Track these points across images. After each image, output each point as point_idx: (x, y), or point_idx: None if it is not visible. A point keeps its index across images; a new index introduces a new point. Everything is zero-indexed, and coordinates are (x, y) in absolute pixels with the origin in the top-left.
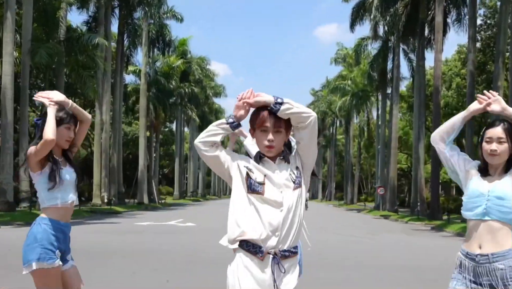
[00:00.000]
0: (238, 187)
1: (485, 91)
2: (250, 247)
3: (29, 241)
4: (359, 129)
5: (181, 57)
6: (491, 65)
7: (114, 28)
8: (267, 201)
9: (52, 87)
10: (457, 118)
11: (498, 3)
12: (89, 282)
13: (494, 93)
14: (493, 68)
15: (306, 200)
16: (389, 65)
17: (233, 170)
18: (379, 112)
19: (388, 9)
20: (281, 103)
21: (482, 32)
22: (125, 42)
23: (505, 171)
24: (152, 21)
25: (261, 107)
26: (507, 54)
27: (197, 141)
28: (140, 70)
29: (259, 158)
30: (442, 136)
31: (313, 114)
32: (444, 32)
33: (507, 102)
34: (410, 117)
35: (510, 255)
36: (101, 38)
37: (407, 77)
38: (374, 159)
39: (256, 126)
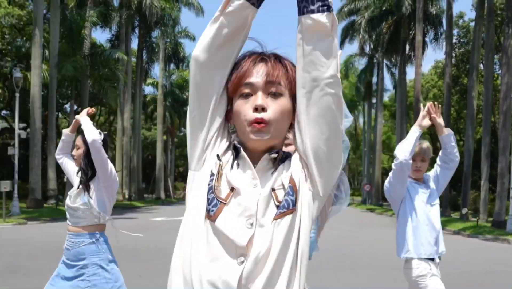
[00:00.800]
0: (195, 193)
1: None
2: None
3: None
4: (348, 134)
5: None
6: (464, 78)
7: (134, 45)
8: (221, 237)
9: (78, 97)
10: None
11: (472, 24)
12: None
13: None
14: (465, 80)
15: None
16: (374, 79)
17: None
18: (365, 119)
19: (374, 29)
20: None
21: (457, 50)
22: (144, 57)
23: None
24: (168, 40)
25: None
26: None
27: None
28: (157, 83)
29: (233, 154)
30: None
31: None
32: (423, 49)
33: (478, 110)
34: (392, 124)
35: None
36: (121, 53)
37: (390, 89)
38: (361, 159)
39: (232, 86)
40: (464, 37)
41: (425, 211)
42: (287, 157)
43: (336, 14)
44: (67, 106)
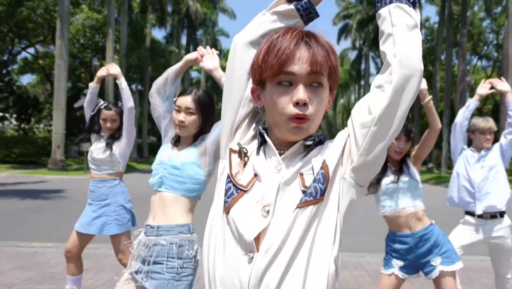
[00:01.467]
0: (218, 186)
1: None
2: None
3: None
4: (342, 107)
5: (226, 60)
6: (430, 66)
7: (183, 41)
8: (233, 230)
9: (141, 80)
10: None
11: (435, 25)
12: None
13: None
14: (430, 68)
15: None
16: (363, 66)
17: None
18: (356, 96)
19: (362, 30)
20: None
21: (424, 45)
22: (191, 50)
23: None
24: (209, 37)
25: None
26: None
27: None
28: (200, 69)
29: (259, 140)
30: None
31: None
32: None
33: (441, 93)
34: None
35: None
36: (173, 47)
37: (374, 74)
38: None
39: (270, 72)
40: (430, 35)
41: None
42: (321, 141)
43: (333, 18)
44: (133, 86)
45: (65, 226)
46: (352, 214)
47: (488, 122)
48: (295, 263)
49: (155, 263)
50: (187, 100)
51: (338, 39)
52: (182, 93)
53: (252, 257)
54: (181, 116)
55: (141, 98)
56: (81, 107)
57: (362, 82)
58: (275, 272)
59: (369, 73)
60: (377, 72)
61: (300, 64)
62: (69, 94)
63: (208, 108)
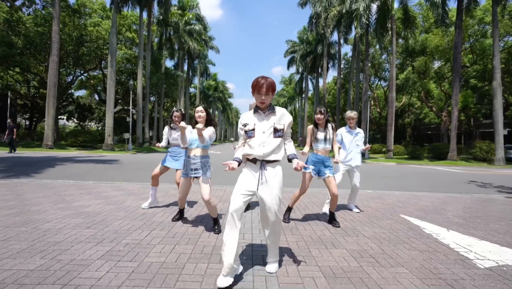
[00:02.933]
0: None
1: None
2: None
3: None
4: (289, 112)
5: (214, 80)
6: (347, 84)
7: (185, 67)
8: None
9: (157, 93)
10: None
11: (350, 58)
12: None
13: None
14: (347, 85)
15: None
16: (303, 85)
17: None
18: (299, 105)
19: (303, 60)
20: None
21: (343, 71)
22: (190, 74)
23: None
24: (202, 65)
25: (259, 78)
26: (359, 80)
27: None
28: (196, 86)
29: (254, 110)
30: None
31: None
32: (327, 70)
33: (353, 101)
34: (311, 107)
35: None
36: (179, 72)
37: (311, 90)
38: (297, 125)
39: (255, 89)
40: (347, 64)
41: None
42: (273, 110)
43: (285, 53)
44: (152, 98)
45: (124, 175)
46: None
47: (351, 113)
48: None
49: (196, 169)
50: (199, 108)
51: (288, 67)
52: (196, 106)
53: (264, 145)
54: (197, 114)
55: (158, 105)
56: (118, 111)
57: (303, 96)
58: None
59: (308, 89)
60: (313, 89)
61: (263, 88)
62: None
63: (208, 111)
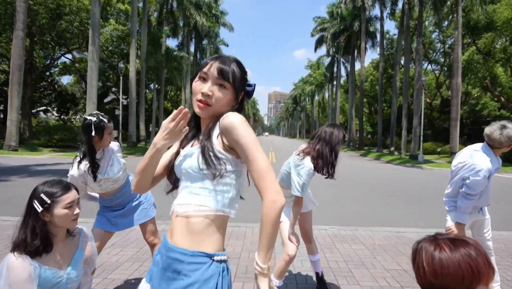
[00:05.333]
0: None
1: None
2: None
3: None
4: (318, 102)
5: None
6: (389, 69)
7: (192, 48)
8: None
9: (158, 79)
10: None
11: (395, 36)
12: None
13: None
14: (390, 71)
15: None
16: (335, 69)
17: None
18: (329, 94)
19: (335, 40)
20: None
21: (385, 52)
22: (198, 56)
23: None
24: (212, 46)
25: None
26: (402, 63)
27: None
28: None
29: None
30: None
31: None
32: (365, 51)
33: (400, 89)
34: (345, 96)
35: None
36: (184, 53)
37: (344, 76)
38: (327, 117)
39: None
40: (390, 44)
41: None
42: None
43: (312, 31)
44: (151, 85)
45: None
46: None
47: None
48: None
49: None
50: None
51: (315, 48)
52: None
53: None
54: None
55: (158, 94)
56: (110, 102)
57: (335, 82)
58: None
59: (340, 75)
60: (346, 75)
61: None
62: (100, 91)
63: None
